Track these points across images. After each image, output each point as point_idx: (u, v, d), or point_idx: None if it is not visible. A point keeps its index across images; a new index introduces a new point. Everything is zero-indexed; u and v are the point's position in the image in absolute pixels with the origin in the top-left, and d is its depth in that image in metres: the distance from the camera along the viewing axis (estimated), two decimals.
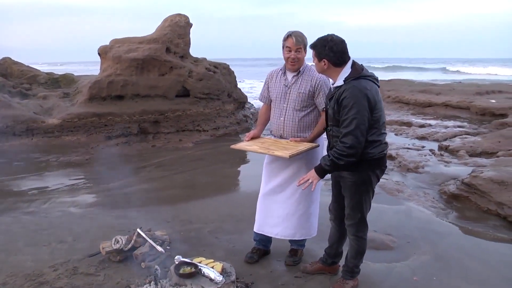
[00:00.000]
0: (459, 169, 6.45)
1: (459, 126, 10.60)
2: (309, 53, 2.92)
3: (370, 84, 2.62)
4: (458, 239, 4.05)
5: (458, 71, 45.50)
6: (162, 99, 9.50)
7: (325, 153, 2.93)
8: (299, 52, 3.11)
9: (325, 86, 3.15)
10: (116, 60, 9.50)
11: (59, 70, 16.60)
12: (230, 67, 11.24)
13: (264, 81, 3.47)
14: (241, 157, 7.41)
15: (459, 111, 12.81)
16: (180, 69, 9.60)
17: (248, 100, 11.94)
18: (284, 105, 3.23)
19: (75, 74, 12.38)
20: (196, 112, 9.58)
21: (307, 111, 3.22)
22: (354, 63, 2.70)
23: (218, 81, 10.07)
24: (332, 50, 2.63)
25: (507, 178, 5.07)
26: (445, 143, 8.57)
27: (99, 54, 9.96)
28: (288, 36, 3.09)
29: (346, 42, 2.69)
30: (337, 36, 2.68)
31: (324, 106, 3.07)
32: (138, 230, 3.42)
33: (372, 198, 2.88)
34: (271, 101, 3.39)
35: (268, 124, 3.53)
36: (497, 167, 5.58)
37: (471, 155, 7.60)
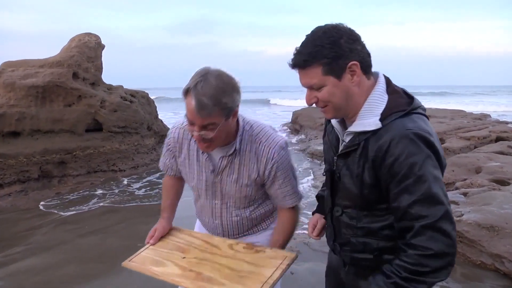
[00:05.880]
0: None
1: None
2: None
3: (430, 125, 1.36)
4: None
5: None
6: (69, 135, 7.93)
7: None
8: (210, 130, 1.52)
9: (285, 168, 1.72)
10: (8, 88, 7.78)
11: None
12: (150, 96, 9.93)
13: (165, 144, 1.90)
14: None
15: None
16: (90, 98, 8.09)
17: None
18: (216, 202, 1.82)
19: None
20: (111, 149, 8.11)
21: (259, 203, 1.85)
22: (387, 78, 1.43)
23: (136, 111, 8.69)
24: (354, 40, 1.33)
25: (495, 221, 4.22)
26: None
27: None
28: (187, 91, 1.48)
29: None
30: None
31: (288, 201, 1.78)
32: None
33: None
34: (180, 171, 1.92)
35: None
36: (476, 206, 4.75)
37: None
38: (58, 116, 7.85)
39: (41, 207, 6.25)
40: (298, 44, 1.36)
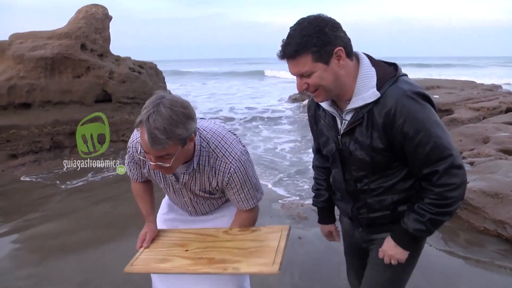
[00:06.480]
0: None
1: None
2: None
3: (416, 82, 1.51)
4: (472, 281, 3.13)
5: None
6: (79, 106, 7.97)
7: None
8: (166, 160, 1.53)
9: (241, 178, 1.74)
10: (18, 60, 7.82)
11: None
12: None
13: (128, 155, 1.88)
14: None
15: None
16: (98, 70, 8.09)
17: None
18: (186, 199, 1.91)
19: None
20: (120, 120, 8.15)
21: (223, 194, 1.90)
22: (367, 55, 1.56)
23: (144, 82, 8.67)
24: (337, 27, 1.42)
25: (500, 188, 4.26)
26: None
27: None
28: (140, 124, 1.47)
29: None
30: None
31: (242, 205, 1.83)
32: None
33: None
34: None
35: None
36: (481, 174, 4.78)
37: None
38: (68, 88, 7.89)
39: (54, 177, 6.39)
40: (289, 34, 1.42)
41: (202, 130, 1.72)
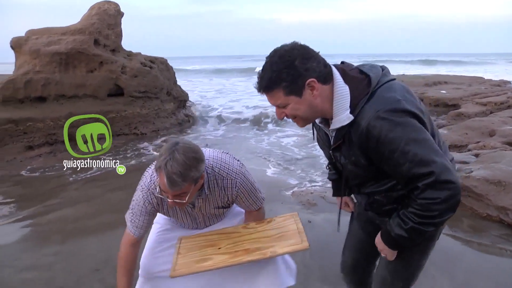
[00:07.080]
0: None
1: None
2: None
3: (395, 86, 1.46)
4: (474, 262, 3.27)
5: None
6: (92, 100, 8.21)
7: None
8: (182, 197, 1.73)
9: (247, 188, 1.99)
10: (34, 55, 8.07)
11: None
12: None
13: (140, 209, 2.00)
14: None
15: None
16: (111, 64, 8.32)
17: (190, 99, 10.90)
18: (199, 220, 2.17)
19: None
20: (132, 113, 8.38)
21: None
22: (342, 70, 1.51)
23: (156, 77, 8.89)
24: (308, 58, 1.41)
25: (503, 177, 4.39)
26: None
27: (12, 47, 8.42)
28: (159, 169, 1.66)
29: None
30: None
31: (252, 207, 2.08)
32: None
33: None
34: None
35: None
36: (485, 163, 4.91)
37: None
38: (81, 82, 8.12)
39: (69, 167, 6.58)
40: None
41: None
